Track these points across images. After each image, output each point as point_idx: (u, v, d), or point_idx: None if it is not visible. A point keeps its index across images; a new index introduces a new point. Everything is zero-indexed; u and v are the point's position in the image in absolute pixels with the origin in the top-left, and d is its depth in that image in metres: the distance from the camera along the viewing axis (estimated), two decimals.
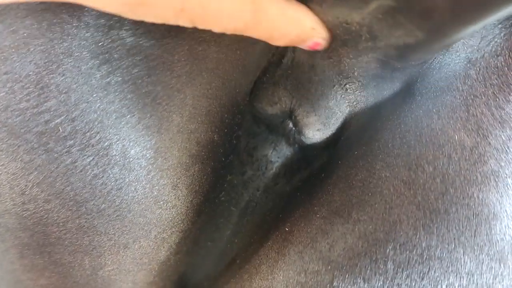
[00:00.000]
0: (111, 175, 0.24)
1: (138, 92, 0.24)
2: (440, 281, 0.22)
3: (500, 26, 0.24)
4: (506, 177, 0.22)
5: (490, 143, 0.23)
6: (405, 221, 0.23)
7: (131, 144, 0.24)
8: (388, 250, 0.23)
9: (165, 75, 0.24)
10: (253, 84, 0.29)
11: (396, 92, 0.26)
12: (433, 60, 0.25)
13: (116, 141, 0.24)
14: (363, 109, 0.27)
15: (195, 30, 0.23)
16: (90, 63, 0.23)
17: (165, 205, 0.26)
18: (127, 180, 0.24)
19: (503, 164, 0.23)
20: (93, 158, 0.23)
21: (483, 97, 0.23)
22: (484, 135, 0.23)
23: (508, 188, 0.22)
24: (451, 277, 0.22)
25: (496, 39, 0.24)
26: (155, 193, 0.25)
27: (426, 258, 0.22)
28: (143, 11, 0.19)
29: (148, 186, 0.25)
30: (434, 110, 0.24)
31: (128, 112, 0.24)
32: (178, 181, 0.26)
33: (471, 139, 0.23)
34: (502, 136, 0.23)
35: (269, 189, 0.32)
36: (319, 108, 0.28)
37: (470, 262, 0.22)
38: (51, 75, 0.22)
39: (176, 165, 0.26)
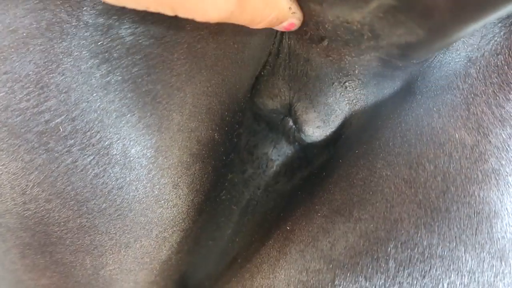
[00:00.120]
0: (111, 175, 0.24)
1: (138, 91, 0.23)
2: (441, 279, 0.22)
3: (500, 25, 0.24)
4: (506, 175, 0.23)
5: (490, 142, 0.23)
6: (406, 219, 0.23)
7: (131, 143, 0.24)
8: (389, 249, 0.23)
9: (165, 74, 0.24)
10: (255, 79, 0.29)
11: (396, 91, 0.27)
12: (434, 59, 0.25)
13: (117, 140, 0.24)
14: (363, 107, 0.27)
15: (193, 28, 0.23)
16: (89, 63, 0.22)
17: (166, 204, 0.26)
18: (128, 179, 0.24)
19: (503, 162, 0.23)
20: (94, 158, 0.23)
21: (483, 96, 0.23)
22: (484, 134, 0.23)
23: (509, 186, 0.22)
24: (452, 275, 0.22)
25: (496, 38, 0.24)
26: (156, 192, 0.25)
27: (427, 257, 0.22)
28: None
29: (149, 185, 0.25)
30: (434, 109, 0.24)
31: (128, 111, 0.24)
32: (179, 180, 0.26)
33: (472, 138, 0.23)
34: (503, 135, 0.23)
35: (270, 187, 0.32)
36: (318, 104, 0.28)
37: (472, 260, 0.22)
38: (51, 75, 0.22)
39: (177, 164, 0.26)
